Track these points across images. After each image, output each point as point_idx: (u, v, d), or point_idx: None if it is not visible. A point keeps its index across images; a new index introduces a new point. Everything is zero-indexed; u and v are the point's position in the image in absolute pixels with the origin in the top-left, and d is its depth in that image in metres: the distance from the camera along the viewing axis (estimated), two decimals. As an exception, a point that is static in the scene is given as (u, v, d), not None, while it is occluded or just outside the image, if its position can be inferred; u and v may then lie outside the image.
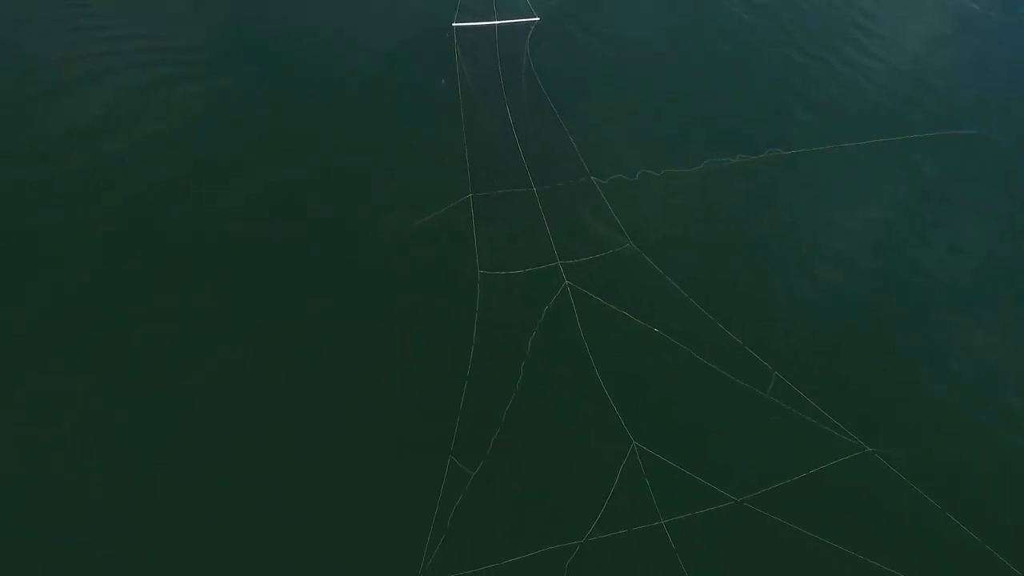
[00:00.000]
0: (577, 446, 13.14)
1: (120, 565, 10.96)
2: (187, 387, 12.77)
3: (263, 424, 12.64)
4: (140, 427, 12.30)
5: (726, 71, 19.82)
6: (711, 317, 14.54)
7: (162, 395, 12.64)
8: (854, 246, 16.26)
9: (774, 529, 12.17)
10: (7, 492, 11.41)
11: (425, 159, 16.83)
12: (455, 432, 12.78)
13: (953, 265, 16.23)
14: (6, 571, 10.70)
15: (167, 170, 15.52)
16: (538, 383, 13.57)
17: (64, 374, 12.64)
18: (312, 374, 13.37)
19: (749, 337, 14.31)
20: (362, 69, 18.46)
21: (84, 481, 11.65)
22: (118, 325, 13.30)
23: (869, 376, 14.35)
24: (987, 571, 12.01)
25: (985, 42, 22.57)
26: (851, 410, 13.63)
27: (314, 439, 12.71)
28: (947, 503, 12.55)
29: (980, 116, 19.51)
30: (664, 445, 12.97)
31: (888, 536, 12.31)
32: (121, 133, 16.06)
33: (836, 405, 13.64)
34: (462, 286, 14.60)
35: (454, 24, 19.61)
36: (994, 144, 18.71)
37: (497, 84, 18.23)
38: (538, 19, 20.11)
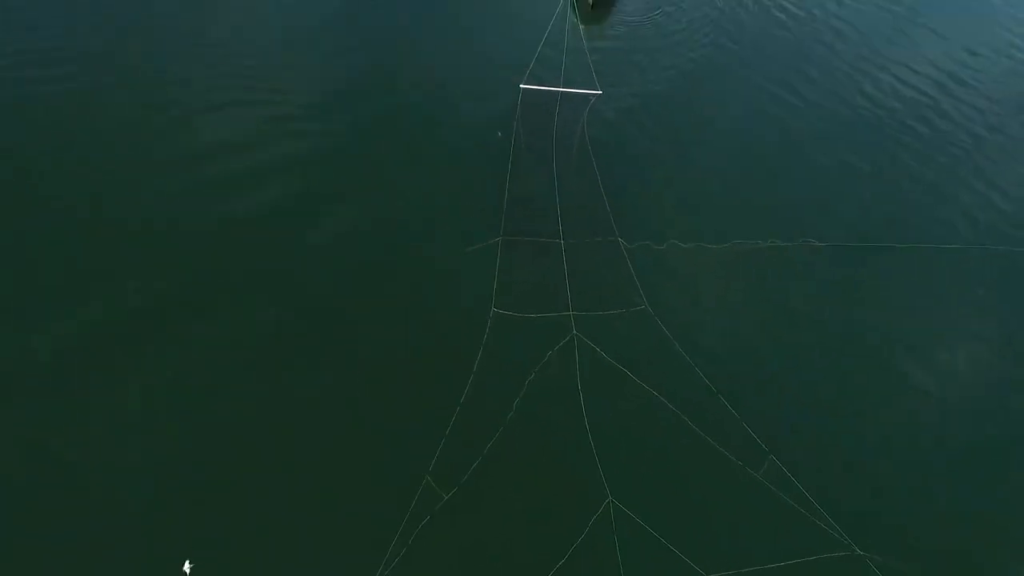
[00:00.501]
0: (554, 490, 13.10)
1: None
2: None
3: (265, 421, 13.39)
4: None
5: (776, 159, 20.13)
6: (714, 388, 14.41)
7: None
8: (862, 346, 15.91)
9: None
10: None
11: (471, 202, 17.79)
12: (436, 454, 13.06)
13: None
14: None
15: (263, 196, 17.03)
16: (528, 422, 13.73)
17: (149, 370, 13.71)
18: (318, 377, 14.13)
19: (748, 414, 14.04)
20: (441, 121, 19.96)
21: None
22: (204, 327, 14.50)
23: (871, 474, 13.72)
24: None
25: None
26: (847, 507, 13.00)
27: (309, 439, 13.30)
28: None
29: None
30: (641, 506, 12.74)
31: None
32: (236, 157, 17.87)
33: (832, 500, 13.06)
34: (474, 321, 15.12)
35: (521, 85, 20.93)
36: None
37: (549, 144, 19.20)
38: (600, 92, 21.18)
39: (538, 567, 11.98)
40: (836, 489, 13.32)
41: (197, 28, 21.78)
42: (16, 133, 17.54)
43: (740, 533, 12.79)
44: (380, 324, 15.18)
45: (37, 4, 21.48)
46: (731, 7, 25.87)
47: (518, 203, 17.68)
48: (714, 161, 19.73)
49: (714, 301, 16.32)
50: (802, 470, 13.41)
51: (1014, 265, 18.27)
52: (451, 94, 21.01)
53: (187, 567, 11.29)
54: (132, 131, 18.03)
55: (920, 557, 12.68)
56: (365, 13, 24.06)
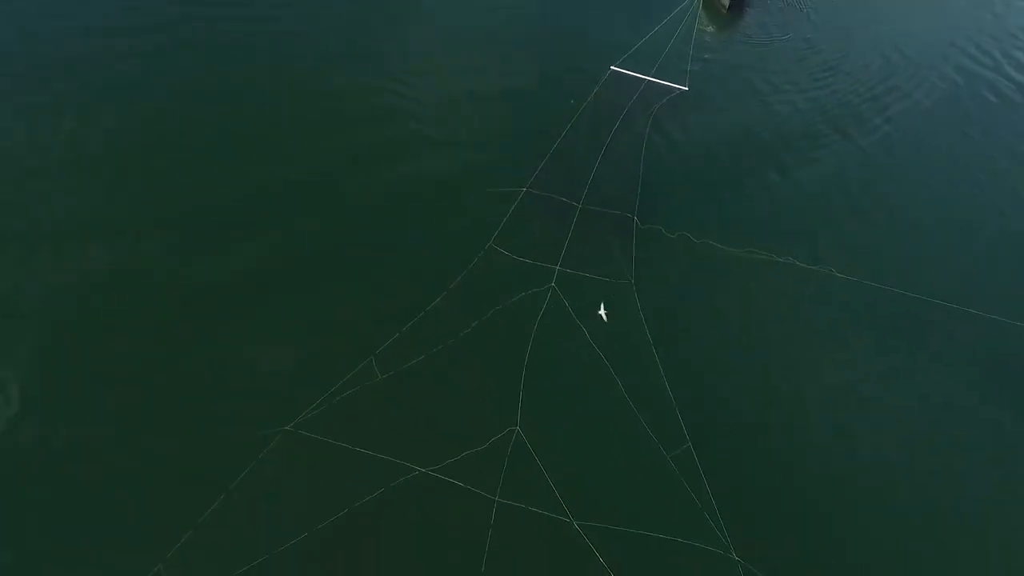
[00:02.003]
0: (473, 402, 14.10)
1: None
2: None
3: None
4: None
5: (830, 195, 19.09)
6: (661, 370, 14.49)
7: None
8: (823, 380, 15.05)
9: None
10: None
11: (518, 152, 18.87)
12: (387, 343, 14.53)
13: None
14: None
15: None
16: (477, 342, 14.77)
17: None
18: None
19: (685, 403, 14.00)
20: (530, 80, 21.35)
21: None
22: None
23: (778, 492, 13.23)
24: None
25: None
26: (743, 516, 12.70)
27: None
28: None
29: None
30: (543, 445, 13.34)
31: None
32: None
33: (730, 505, 12.84)
34: (470, 249, 16.31)
35: (612, 67, 21.50)
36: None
37: (612, 122, 19.70)
38: (685, 89, 21.16)
39: (437, 456, 13.06)
40: (739, 497, 13.00)
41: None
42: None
43: (623, 496, 12.98)
44: (392, 230, 16.84)
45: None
46: (843, 66, 23.74)
47: (557, 164, 18.44)
48: (763, 183, 19.01)
49: (702, 295, 16.14)
50: (714, 469, 13.20)
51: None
52: (551, 62, 22.04)
53: (602, 311, 14.13)
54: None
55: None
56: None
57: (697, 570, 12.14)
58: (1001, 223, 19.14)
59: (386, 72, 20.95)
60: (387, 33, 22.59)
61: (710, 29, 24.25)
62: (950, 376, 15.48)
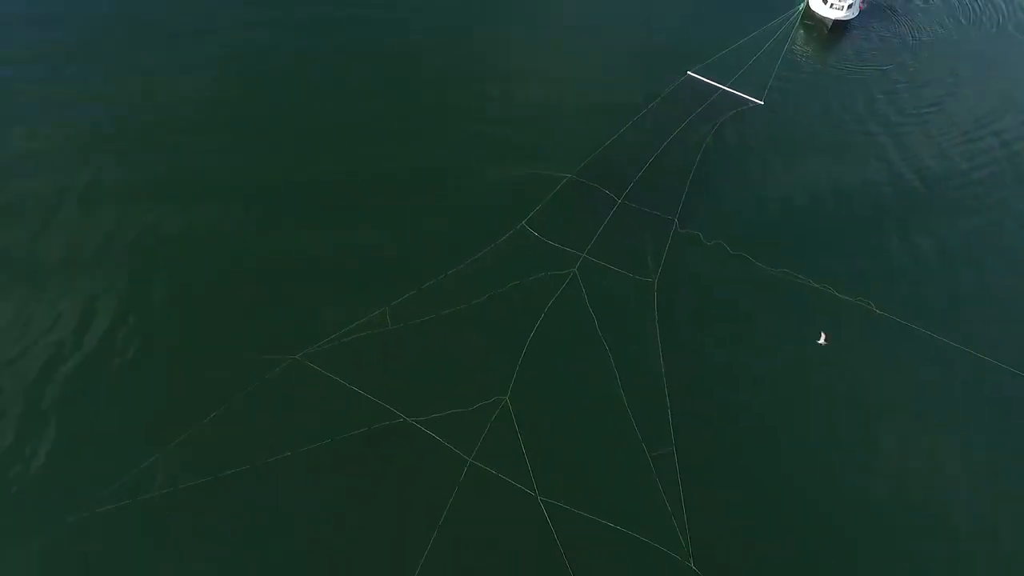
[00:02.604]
0: (471, 363, 14.52)
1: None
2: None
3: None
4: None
5: (871, 223, 17.94)
6: (663, 370, 14.24)
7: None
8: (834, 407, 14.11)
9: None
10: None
11: (573, 139, 19.03)
12: (402, 297, 15.11)
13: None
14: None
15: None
16: (487, 310, 15.09)
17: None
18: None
19: (681, 410, 13.76)
20: (605, 74, 21.50)
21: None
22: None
23: (754, 517, 12.73)
24: None
25: None
26: (711, 531, 12.35)
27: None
28: None
29: None
30: (528, 420, 13.55)
31: None
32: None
33: (701, 518, 12.51)
34: (502, 225, 16.65)
35: (688, 72, 21.16)
36: None
37: (676, 124, 19.45)
38: (760, 103, 20.51)
39: (424, 409, 13.58)
40: (712, 511, 12.66)
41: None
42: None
43: (595, 484, 12.94)
44: (435, 194, 17.47)
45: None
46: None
47: (610, 158, 18.44)
48: (817, 211, 18.14)
49: (724, 307, 15.73)
50: (693, 478, 12.91)
51: None
52: (632, 60, 22.01)
53: (823, 339, 14.73)
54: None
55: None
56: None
57: (650, 571, 11.90)
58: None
59: (482, 57, 21.76)
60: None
61: (804, 48, 23.38)
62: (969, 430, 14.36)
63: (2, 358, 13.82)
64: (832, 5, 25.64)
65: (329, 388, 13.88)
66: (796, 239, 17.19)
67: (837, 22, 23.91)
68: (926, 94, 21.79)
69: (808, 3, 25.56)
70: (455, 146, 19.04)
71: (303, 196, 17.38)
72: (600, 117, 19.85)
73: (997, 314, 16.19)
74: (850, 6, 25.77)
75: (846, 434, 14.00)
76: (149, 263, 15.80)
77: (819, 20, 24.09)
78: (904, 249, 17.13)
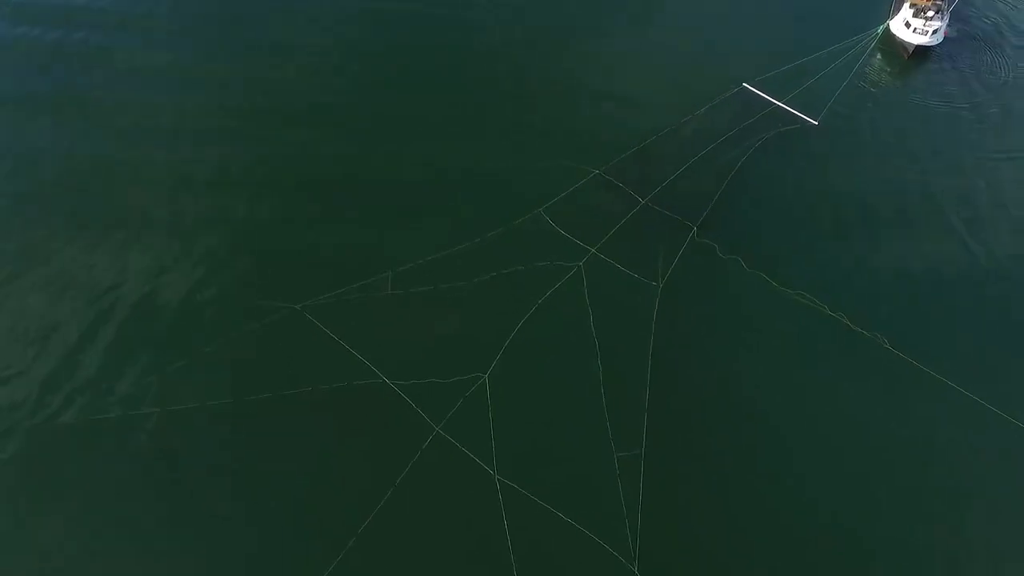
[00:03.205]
0: (460, 337, 14.51)
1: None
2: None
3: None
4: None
5: (901, 268, 16.71)
6: (648, 377, 13.92)
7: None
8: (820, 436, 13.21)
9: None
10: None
11: (610, 135, 18.90)
12: (408, 264, 15.44)
13: None
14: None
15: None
16: (488, 290, 15.18)
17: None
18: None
19: (658, 416, 13.41)
20: (661, 77, 21.31)
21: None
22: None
23: (710, 540, 12.24)
24: None
25: None
26: (663, 544, 11.99)
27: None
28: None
29: None
30: (503, 401, 13.57)
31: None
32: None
33: (654, 531, 12.15)
34: (522, 210, 16.70)
35: (744, 84, 20.48)
36: None
37: (720, 134, 18.91)
38: (815, 123, 19.58)
39: (404, 374, 13.86)
40: (668, 520, 12.29)
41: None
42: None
43: (556, 473, 12.82)
44: (466, 172, 17.78)
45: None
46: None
47: (644, 158, 18.14)
48: (848, 245, 17.07)
49: (727, 321, 15.17)
50: (656, 484, 12.57)
51: None
52: (690, 66, 21.53)
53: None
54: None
55: None
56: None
57: (591, 568, 11.69)
58: None
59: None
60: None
61: (876, 73, 22.08)
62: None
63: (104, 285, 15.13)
64: (915, 29, 23.96)
65: (321, 340, 14.39)
66: (818, 265, 16.28)
67: (919, 47, 22.42)
68: (1007, 142, 19.98)
69: (889, 26, 24.06)
70: (497, 132, 19.23)
71: (357, 173, 18.17)
72: (643, 118, 19.49)
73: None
74: (934, 32, 24.00)
75: (833, 471, 13.17)
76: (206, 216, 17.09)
77: (899, 44, 22.65)
78: (935, 298, 15.90)
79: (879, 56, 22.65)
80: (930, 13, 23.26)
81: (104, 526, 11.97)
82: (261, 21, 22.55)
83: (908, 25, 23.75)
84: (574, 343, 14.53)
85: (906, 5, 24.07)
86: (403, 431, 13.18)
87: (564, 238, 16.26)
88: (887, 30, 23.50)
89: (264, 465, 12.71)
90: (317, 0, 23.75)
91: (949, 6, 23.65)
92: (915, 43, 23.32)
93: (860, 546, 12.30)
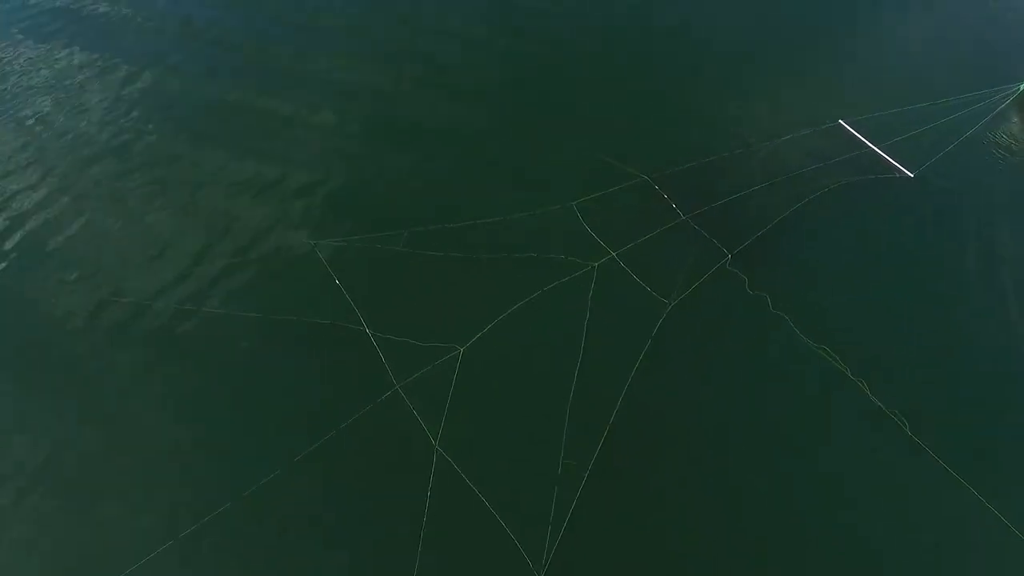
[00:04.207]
0: (450, 312, 14.32)
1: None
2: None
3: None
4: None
5: (954, 354, 14.28)
6: (626, 389, 13.05)
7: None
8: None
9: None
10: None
11: (671, 138, 17.92)
12: (423, 227, 15.45)
13: None
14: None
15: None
16: (494, 269, 14.86)
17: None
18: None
19: (619, 435, 12.54)
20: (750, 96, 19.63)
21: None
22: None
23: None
24: None
25: None
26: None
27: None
28: None
29: None
30: (474, 382, 13.20)
31: None
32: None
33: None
34: (555, 198, 16.20)
35: (840, 120, 18.64)
36: None
37: (792, 168, 17.37)
38: (910, 176, 17.43)
39: (386, 327, 13.91)
40: (589, 541, 11.46)
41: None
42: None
43: (497, 459, 12.38)
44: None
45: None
46: None
47: (701, 174, 17.02)
48: (901, 315, 14.72)
49: (733, 359, 13.82)
50: (595, 503, 11.78)
51: None
52: (786, 94, 19.88)
53: None
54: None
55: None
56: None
57: (495, 563, 11.17)
58: None
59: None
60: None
61: (1005, 135, 19.19)
62: None
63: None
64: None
65: (322, 279, 14.71)
66: (852, 323, 14.30)
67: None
68: None
69: (1036, 82, 20.84)
70: (567, 119, 18.73)
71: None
72: (719, 134, 18.16)
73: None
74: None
75: (803, 561, 11.65)
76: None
77: None
78: (978, 393, 13.47)
79: (1017, 119, 19.69)
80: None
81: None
82: None
83: (1063, 84, 20.42)
84: (561, 339, 13.83)
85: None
86: (366, 381, 13.16)
87: (587, 236, 15.56)
88: (1034, 88, 20.38)
89: (225, 374, 13.20)
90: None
91: None
92: (1070, 112, 20.00)
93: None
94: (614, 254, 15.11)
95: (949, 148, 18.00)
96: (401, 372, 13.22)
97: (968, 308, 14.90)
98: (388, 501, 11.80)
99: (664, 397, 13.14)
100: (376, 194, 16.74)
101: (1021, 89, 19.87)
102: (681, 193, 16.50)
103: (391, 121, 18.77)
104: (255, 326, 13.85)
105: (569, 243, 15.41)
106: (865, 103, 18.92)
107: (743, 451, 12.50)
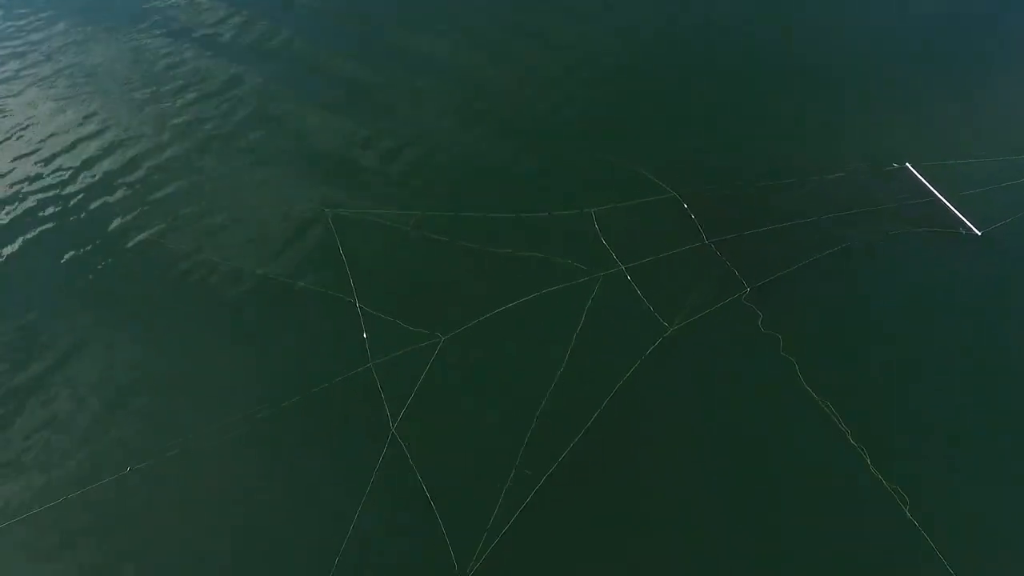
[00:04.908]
0: (438, 302, 14.02)
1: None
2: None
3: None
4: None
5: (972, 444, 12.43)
6: (598, 409, 12.30)
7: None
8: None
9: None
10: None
11: (719, 175, 16.83)
12: (434, 213, 15.22)
13: None
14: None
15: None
16: (497, 263, 14.46)
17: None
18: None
19: (581, 452, 11.82)
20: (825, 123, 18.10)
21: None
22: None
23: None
24: None
25: None
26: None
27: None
28: None
29: None
30: (447, 380, 12.86)
31: None
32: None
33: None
34: (587, 202, 15.56)
35: (907, 164, 16.99)
36: None
37: (848, 206, 15.99)
38: (977, 234, 15.62)
39: (377, 302, 13.83)
40: (522, 555, 10.84)
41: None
42: None
43: (452, 453, 11.98)
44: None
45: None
46: None
47: (740, 200, 15.95)
48: (930, 374, 13.11)
49: (721, 394, 12.81)
50: (538, 516, 11.15)
51: None
52: (856, 126, 18.31)
53: None
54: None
55: None
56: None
57: (420, 558, 10.77)
58: None
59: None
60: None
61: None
62: None
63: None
64: None
65: (328, 244, 14.80)
66: (867, 383, 12.87)
67: None
68: None
69: None
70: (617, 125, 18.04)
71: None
72: (767, 161, 16.86)
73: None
74: None
75: None
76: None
77: None
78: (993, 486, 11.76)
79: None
80: None
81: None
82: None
83: None
84: (547, 346, 13.18)
85: None
86: (342, 353, 13.03)
87: (599, 244, 14.84)
88: None
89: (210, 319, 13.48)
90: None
91: None
92: None
93: None
94: (623, 267, 14.34)
95: (1031, 211, 15.98)
96: (380, 351, 13.02)
97: (1019, 395, 13.09)
98: (334, 474, 11.64)
99: (642, 424, 12.30)
100: (426, 170, 16.59)
101: None
102: (712, 216, 15.48)
103: (466, 102, 18.63)
104: (243, 279, 14.10)
105: (580, 249, 14.77)
106: (940, 148, 17.09)
107: (716, 498, 11.48)
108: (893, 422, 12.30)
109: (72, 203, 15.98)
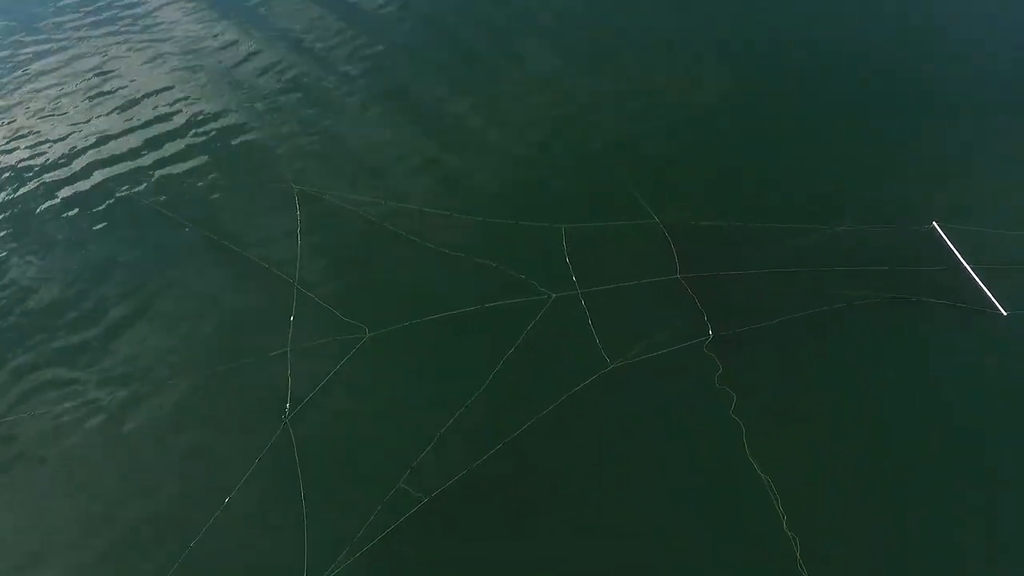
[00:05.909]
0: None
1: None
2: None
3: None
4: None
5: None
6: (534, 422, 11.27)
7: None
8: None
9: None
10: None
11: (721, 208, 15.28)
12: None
13: None
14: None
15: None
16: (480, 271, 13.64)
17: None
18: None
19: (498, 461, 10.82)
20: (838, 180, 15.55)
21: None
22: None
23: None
24: None
25: None
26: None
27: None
28: None
29: None
30: (378, 367, 12.16)
31: None
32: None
33: None
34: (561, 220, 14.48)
35: (934, 222, 14.78)
36: None
37: (854, 259, 14.12)
38: (1003, 314, 13.36)
39: (314, 284, 13.42)
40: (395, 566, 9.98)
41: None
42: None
43: (341, 455, 11.43)
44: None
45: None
46: None
47: (731, 234, 14.36)
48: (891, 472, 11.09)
49: (653, 450, 11.45)
50: (408, 536, 10.30)
51: None
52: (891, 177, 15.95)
53: None
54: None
55: None
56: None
57: (275, 560, 10.15)
58: None
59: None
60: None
61: None
62: None
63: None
64: None
65: (289, 225, 14.47)
66: (832, 475, 10.81)
67: None
68: None
69: None
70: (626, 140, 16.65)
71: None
72: (773, 200, 15.01)
73: None
74: None
75: None
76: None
77: None
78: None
79: None
80: None
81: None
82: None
83: None
84: (472, 362, 12.18)
85: None
86: (267, 335, 12.61)
87: (563, 263, 13.67)
88: None
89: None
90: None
91: None
92: None
93: None
94: (579, 291, 13.15)
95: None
96: (301, 336, 12.50)
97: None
98: (216, 454, 11.21)
99: (552, 463, 11.16)
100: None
101: None
102: (695, 250, 13.96)
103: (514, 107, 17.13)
104: (204, 243, 13.93)
105: (541, 266, 13.69)
106: (977, 210, 14.71)
107: (613, 558, 10.20)
108: (840, 524, 10.48)
109: None
